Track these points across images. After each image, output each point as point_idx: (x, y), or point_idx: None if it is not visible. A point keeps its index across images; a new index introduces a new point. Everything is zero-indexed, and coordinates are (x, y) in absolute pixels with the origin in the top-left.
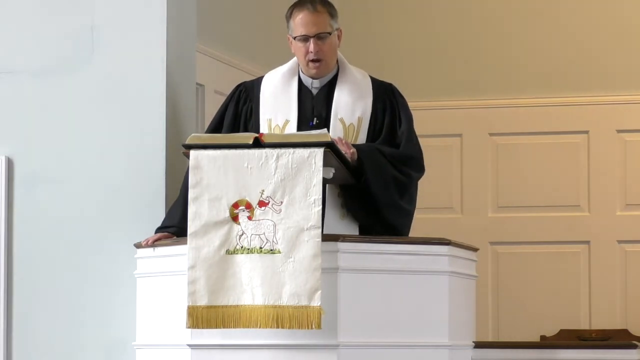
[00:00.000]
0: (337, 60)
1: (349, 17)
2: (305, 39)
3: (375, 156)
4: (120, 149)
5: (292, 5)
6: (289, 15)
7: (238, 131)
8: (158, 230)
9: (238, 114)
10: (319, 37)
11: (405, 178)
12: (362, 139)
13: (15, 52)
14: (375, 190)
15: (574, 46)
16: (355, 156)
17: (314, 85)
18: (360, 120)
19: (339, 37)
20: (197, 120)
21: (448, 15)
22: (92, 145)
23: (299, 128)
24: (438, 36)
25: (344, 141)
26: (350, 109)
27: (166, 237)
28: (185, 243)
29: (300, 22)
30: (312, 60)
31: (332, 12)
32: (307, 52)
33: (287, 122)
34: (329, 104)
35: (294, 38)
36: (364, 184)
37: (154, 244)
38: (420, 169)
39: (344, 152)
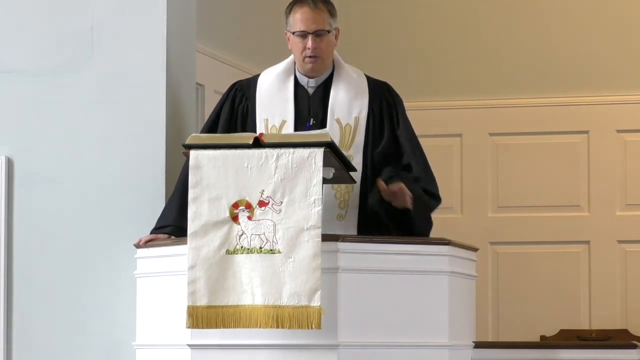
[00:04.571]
0: (332, 60)
1: (349, 17)
2: (303, 35)
3: (421, 197)
4: (120, 149)
5: (292, 1)
6: (289, 11)
7: (234, 131)
8: (153, 231)
9: (234, 113)
10: (318, 34)
11: (438, 203)
12: (359, 139)
13: (15, 52)
14: (417, 223)
15: (574, 46)
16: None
17: (309, 84)
18: (357, 120)
19: (336, 37)
20: (197, 120)
21: (448, 15)
22: (92, 145)
23: (296, 128)
24: (438, 36)
25: (400, 190)
26: (347, 109)
27: (159, 238)
28: (185, 243)
29: (300, 18)
30: (309, 56)
31: (331, 11)
32: (304, 49)
33: (284, 122)
34: (325, 104)
35: (293, 33)
36: (408, 221)
37: (146, 244)
38: (435, 181)
39: (400, 203)
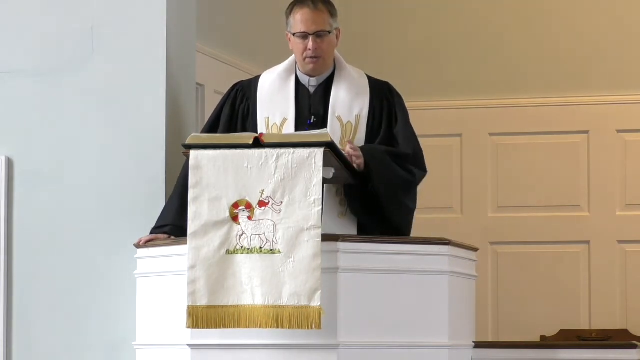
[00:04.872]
0: (334, 59)
1: (349, 17)
2: (304, 36)
3: (382, 158)
4: (120, 149)
5: (292, 2)
6: (289, 12)
7: (234, 131)
8: (153, 230)
9: (235, 114)
10: (318, 35)
11: (411, 177)
12: (360, 137)
13: (15, 52)
14: (383, 192)
15: (574, 46)
16: (363, 163)
17: (311, 83)
18: (357, 118)
19: (337, 37)
20: (197, 120)
21: (448, 15)
22: (92, 145)
23: (297, 126)
24: (437, 36)
25: (350, 145)
26: (348, 107)
27: (159, 238)
28: (185, 243)
29: (301, 19)
30: (310, 57)
31: (332, 11)
32: (305, 49)
33: (284, 120)
34: (327, 102)
35: (293, 35)
36: (371, 188)
37: (146, 244)
38: (422, 168)
39: (353, 163)
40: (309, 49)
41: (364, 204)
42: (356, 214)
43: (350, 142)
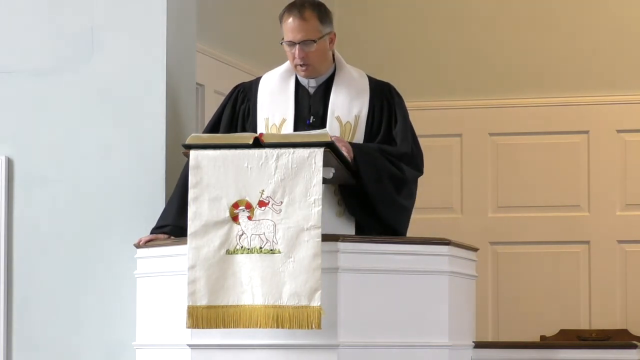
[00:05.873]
0: (334, 60)
1: (349, 17)
2: (291, 44)
3: (370, 153)
4: (120, 149)
5: (284, 9)
6: (280, 19)
7: (235, 132)
8: (153, 230)
9: (235, 115)
10: (305, 43)
11: (401, 174)
12: (359, 137)
13: (15, 52)
14: (371, 186)
15: (574, 46)
16: (352, 155)
17: (310, 84)
18: (357, 118)
19: (332, 41)
20: (197, 120)
21: (448, 16)
22: (92, 145)
23: (296, 126)
24: (437, 36)
25: (341, 143)
26: (347, 108)
27: (159, 238)
28: (185, 243)
29: (287, 27)
30: (299, 65)
31: (322, 17)
32: (294, 57)
33: (284, 120)
34: (326, 103)
35: (282, 42)
36: (359, 181)
37: (146, 244)
38: (416, 168)
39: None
40: (297, 57)
41: (360, 203)
42: (353, 213)
43: (337, 137)
